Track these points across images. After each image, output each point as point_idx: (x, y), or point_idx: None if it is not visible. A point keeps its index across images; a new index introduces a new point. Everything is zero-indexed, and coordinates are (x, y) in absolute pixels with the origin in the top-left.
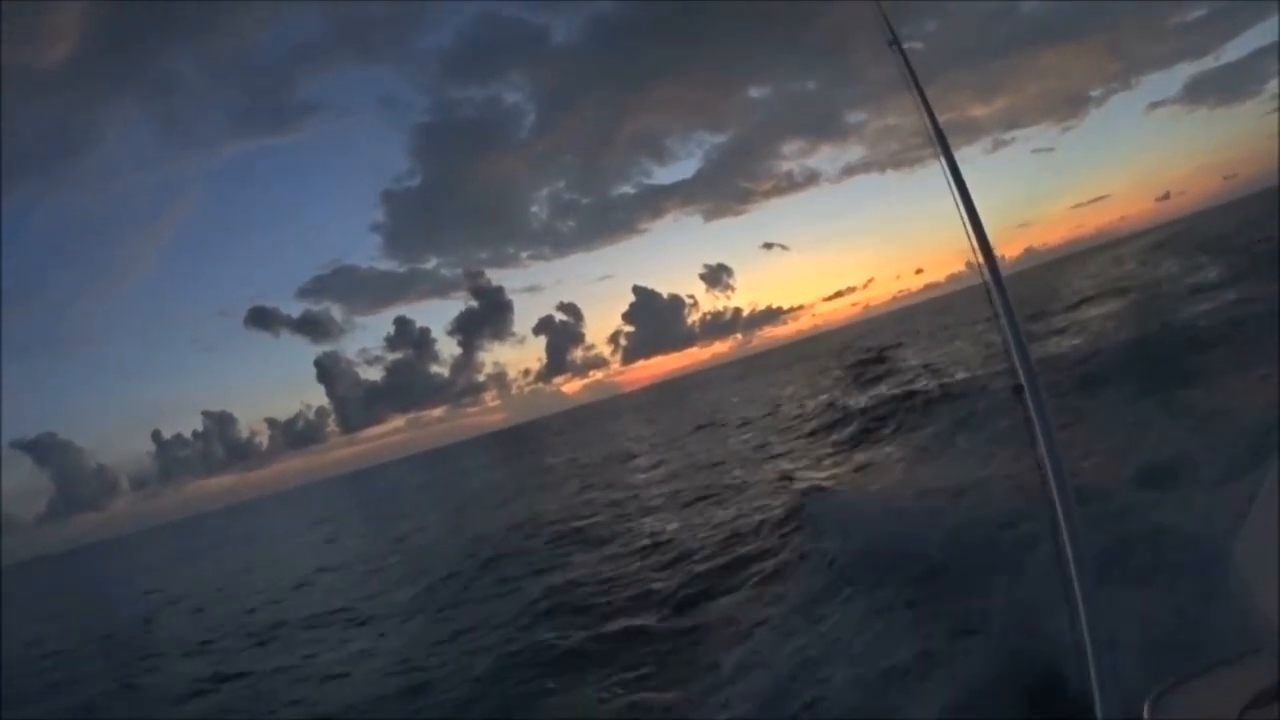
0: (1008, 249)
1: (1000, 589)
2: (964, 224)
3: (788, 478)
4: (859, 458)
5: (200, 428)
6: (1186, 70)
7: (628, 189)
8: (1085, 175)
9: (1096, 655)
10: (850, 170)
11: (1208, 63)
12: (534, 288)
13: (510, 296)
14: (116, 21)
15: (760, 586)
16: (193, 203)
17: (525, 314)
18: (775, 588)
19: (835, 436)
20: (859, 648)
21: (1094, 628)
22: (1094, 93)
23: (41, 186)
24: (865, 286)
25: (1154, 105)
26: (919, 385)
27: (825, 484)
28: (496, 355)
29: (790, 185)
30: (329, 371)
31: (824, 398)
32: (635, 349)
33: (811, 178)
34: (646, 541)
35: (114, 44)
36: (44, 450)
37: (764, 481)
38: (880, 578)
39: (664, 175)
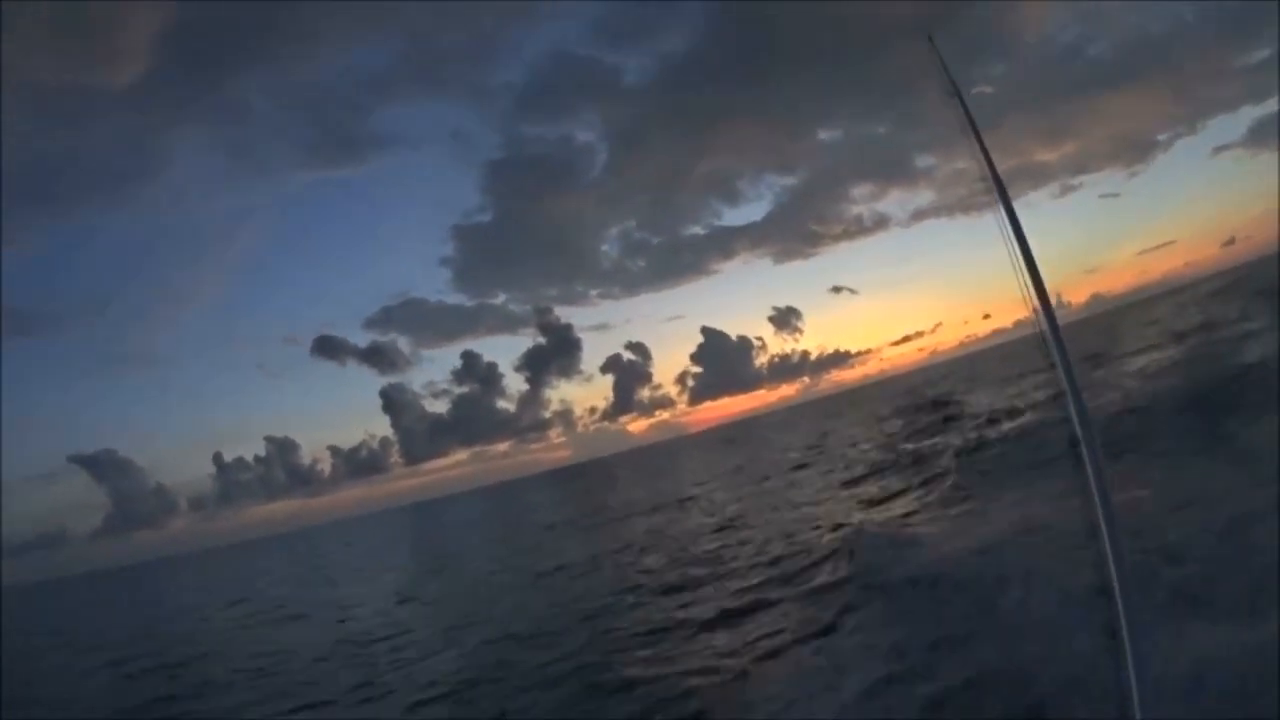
0: (1073, 295)
1: (1037, 639)
2: (1018, 272)
3: (837, 524)
4: (904, 503)
5: (262, 452)
6: (1251, 113)
7: (698, 229)
8: (1151, 220)
9: (1144, 711)
10: (919, 215)
11: (1271, 105)
12: (602, 326)
13: (579, 334)
14: (190, 47)
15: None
16: (263, 230)
17: (593, 352)
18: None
19: (885, 482)
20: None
21: (1143, 684)
22: (1160, 137)
23: (112, 206)
24: (933, 331)
25: (1218, 149)
26: (975, 434)
27: (871, 526)
28: (563, 392)
29: (859, 229)
30: (394, 402)
31: (877, 445)
32: (702, 390)
33: (880, 222)
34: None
35: (187, 69)
36: (103, 466)
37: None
38: (913, 618)
39: (734, 216)
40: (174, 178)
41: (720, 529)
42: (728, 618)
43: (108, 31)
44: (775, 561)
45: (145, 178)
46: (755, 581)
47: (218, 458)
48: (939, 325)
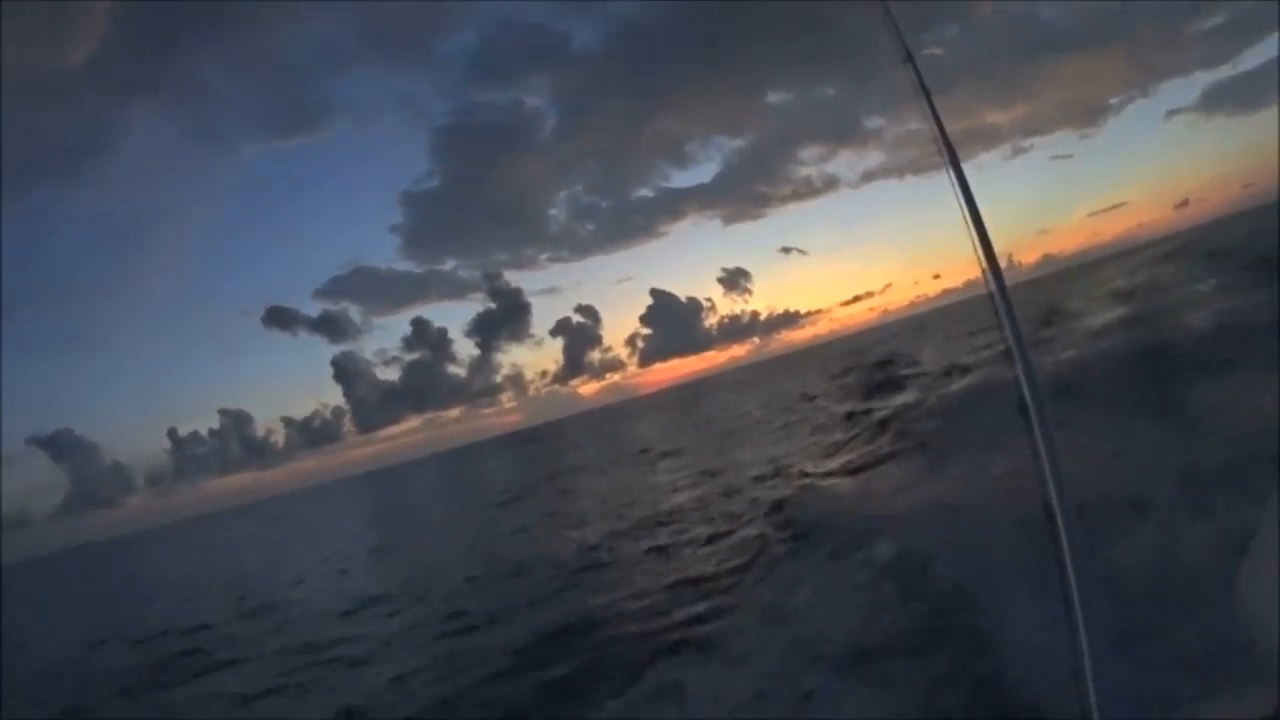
0: (1025, 255)
1: (989, 606)
2: (970, 233)
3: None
4: (844, 462)
5: (216, 426)
6: (1204, 79)
7: (647, 192)
8: (1103, 183)
9: (1096, 679)
10: (869, 176)
11: (1225, 71)
12: (552, 290)
13: (529, 298)
14: (136, 23)
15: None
16: (216, 203)
17: (543, 316)
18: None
19: (828, 439)
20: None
21: (1094, 651)
22: (1112, 100)
23: (61, 187)
24: (883, 291)
25: (1172, 113)
26: (923, 393)
27: (813, 484)
28: (514, 357)
29: (809, 190)
30: (346, 371)
31: (822, 403)
32: (653, 352)
33: (830, 183)
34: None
35: (134, 46)
36: (61, 447)
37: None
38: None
39: (683, 179)
40: (128, 155)
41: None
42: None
43: (59, 12)
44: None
45: (99, 156)
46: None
47: (173, 433)
48: (889, 286)
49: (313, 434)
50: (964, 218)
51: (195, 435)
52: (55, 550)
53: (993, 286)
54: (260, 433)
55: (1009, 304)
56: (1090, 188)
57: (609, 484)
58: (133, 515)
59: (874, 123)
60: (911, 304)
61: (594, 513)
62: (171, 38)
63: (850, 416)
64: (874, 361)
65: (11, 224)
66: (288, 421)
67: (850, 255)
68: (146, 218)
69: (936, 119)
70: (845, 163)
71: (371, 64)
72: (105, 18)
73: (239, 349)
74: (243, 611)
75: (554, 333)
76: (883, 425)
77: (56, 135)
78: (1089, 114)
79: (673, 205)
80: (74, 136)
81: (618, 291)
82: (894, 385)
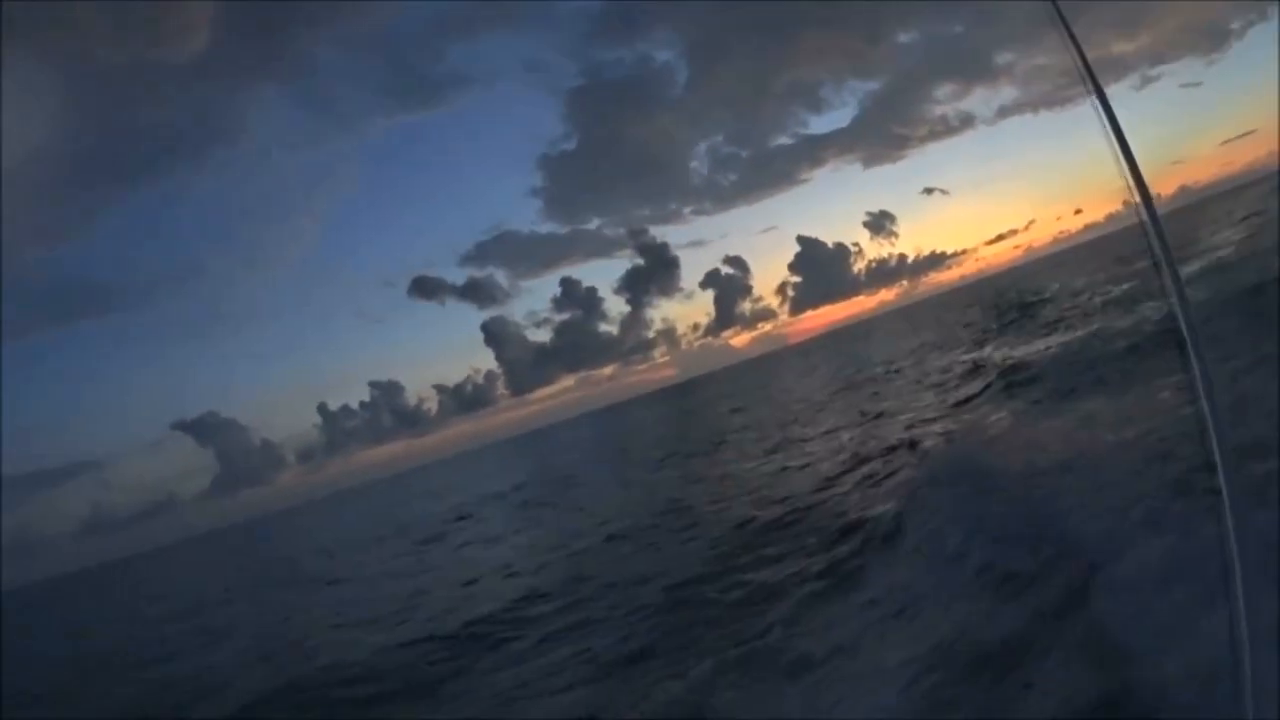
0: (1162, 187)
1: (1131, 570)
2: (1119, 164)
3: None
4: (991, 412)
5: (367, 398)
6: None
7: (785, 139)
8: (1233, 110)
9: (1254, 654)
10: (1004, 112)
11: None
12: (698, 242)
13: (675, 252)
14: (252, 10)
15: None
16: (349, 180)
17: (691, 269)
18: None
19: (970, 390)
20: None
21: (1254, 623)
22: (1233, 25)
23: (197, 174)
24: (1026, 229)
25: None
26: (1067, 335)
27: (948, 436)
28: (664, 311)
29: (946, 130)
30: (496, 335)
31: (967, 348)
32: (802, 299)
33: (966, 121)
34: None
35: (252, 32)
36: (206, 430)
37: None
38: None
39: (820, 124)
40: (253, 139)
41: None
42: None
43: (171, 7)
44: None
45: (224, 143)
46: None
47: (323, 408)
48: (1032, 223)
49: (465, 399)
50: (1111, 148)
51: (346, 409)
52: (203, 531)
53: (1145, 218)
54: (412, 402)
55: (1160, 228)
56: (1221, 115)
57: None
58: (283, 491)
59: (1004, 58)
60: (1055, 240)
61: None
62: (285, 22)
63: (993, 362)
64: (1021, 302)
65: (144, 216)
66: (440, 389)
67: (991, 193)
68: (283, 197)
69: (1078, 49)
70: (979, 100)
71: (491, 31)
72: (216, 9)
73: (386, 321)
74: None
75: (703, 285)
76: (1027, 370)
77: (180, 127)
78: (1213, 39)
79: (812, 151)
80: (198, 126)
81: (763, 241)
82: (1040, 325)
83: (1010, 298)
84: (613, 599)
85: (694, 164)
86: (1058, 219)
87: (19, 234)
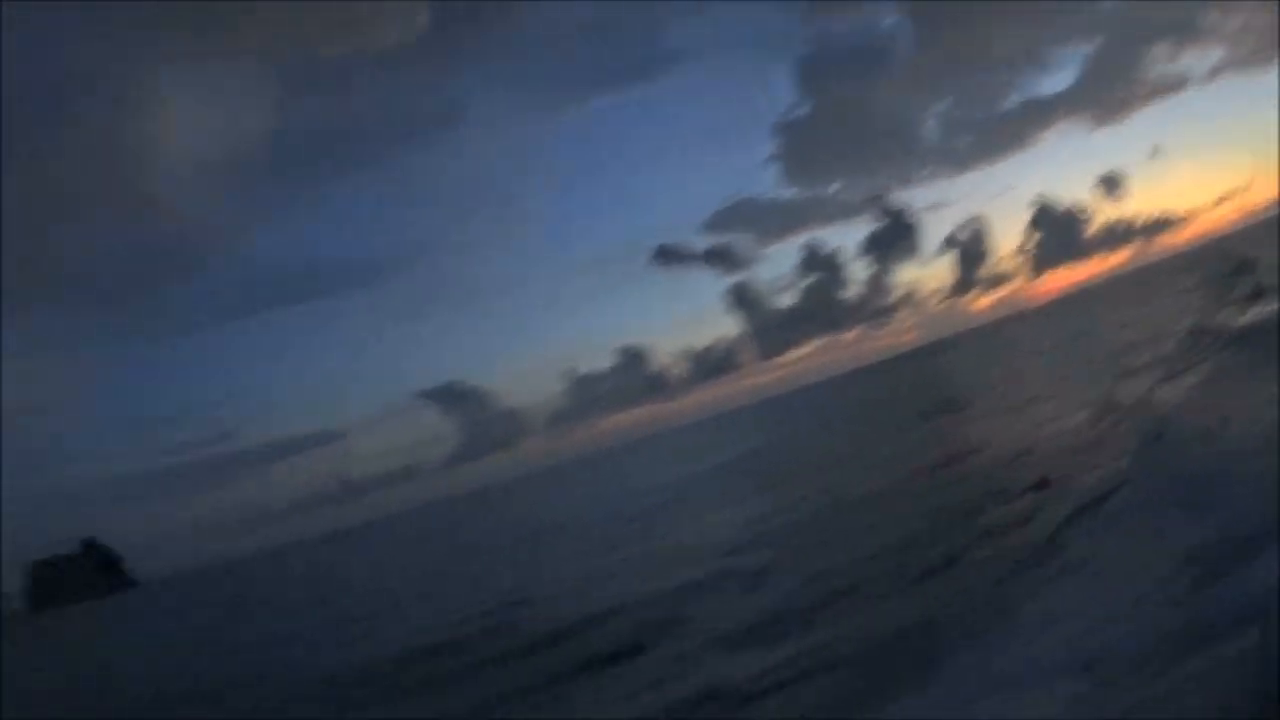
0: None
1: None
2: None
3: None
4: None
5: (612, 364)
6: None
7: (1013, 102)
8: None
9: None
10: (1216, 71)
11: None
12: (935, 205)
13: (914, 216)
14: None
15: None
16: (588, 152)
17: (930, 232)
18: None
19: (1202, 355)
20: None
21: None
22: None
23: (428, 156)
24: (1246, 189)
25: None
26: None
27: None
28: (905, 275)
29: (1163, 89)
30: (740, 300)
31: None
32: (1040, 262)
33: (1180, 82)
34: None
35: (467, 16)
36: (450, 398)
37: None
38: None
39: (1046, 87)
40: (481, 115)
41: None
42: None
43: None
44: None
45: (452, 122)
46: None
47: (568, 374)
48: (1251, 183)
49: (711, 364)
50: None
51: (591, 375)
52: (447, 496)
53: None
54: (658, 367)
55: None
56: None
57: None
58: (528, 457)
59: (1212, 18)
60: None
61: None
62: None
63: (1224, 326)
64: (1245, 266)
65: (373, 196)
66: (684, 354)
67: (1211, 154)
68: (516, 172)
69: None
70: (1192, 59)
71: (716, 2)
72: None
73: (630, 288)
74: None
75: (943, 248)
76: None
77: (409, 110)
78: None
79: (1040, 114)
80: (426, 109)
81: (999, 203)
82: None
83: (1235, 261)
84: (838, 564)
85: (926, 128)
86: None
87: (261, 217)
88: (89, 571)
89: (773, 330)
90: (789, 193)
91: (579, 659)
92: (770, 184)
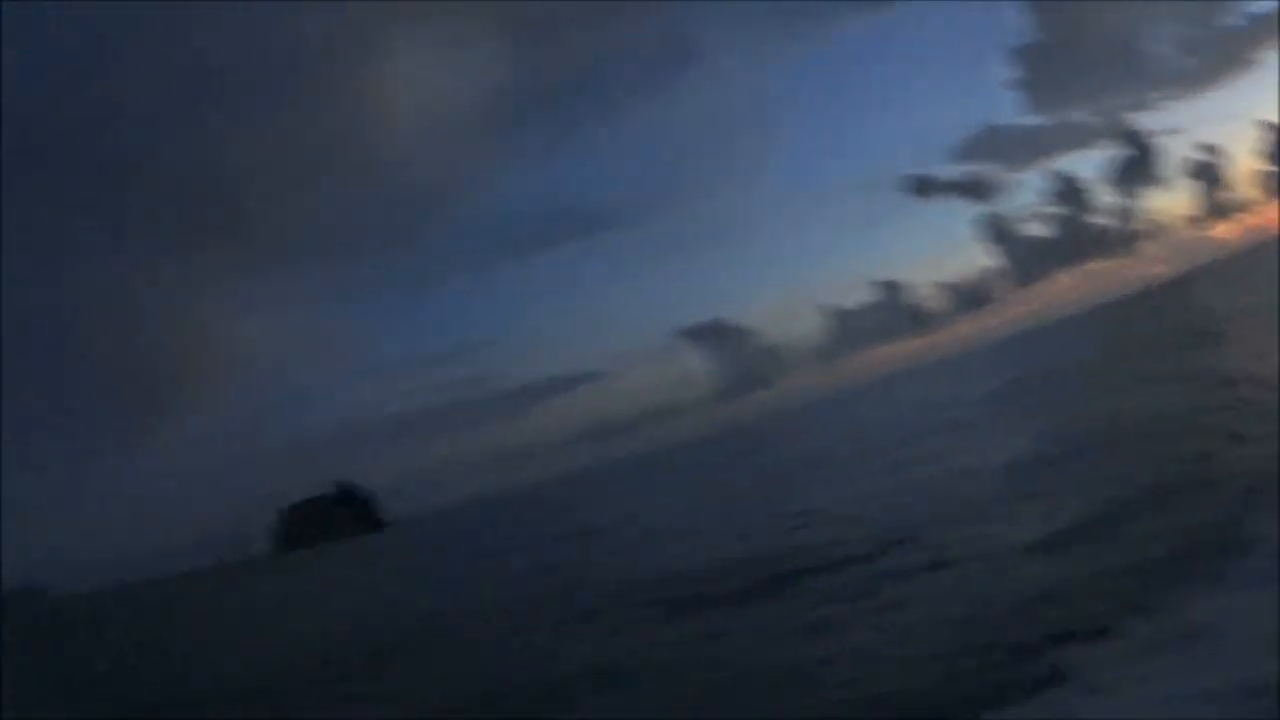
0: None
1: None
2: None
3: None
4: None
5: (869, 298)
6: None
7: (1237, 21)
8: None
9: None
10: None
11: None
12: (1173, 130)
13: (1154, 141)
14: None
15: None
16: (822, 84)
17: (1168, 158)
18: None
19: None
20: None
21: None
22: None
23: (670, 95)
24: None
25: None
26: None
27: None
28: (1151, 202)
29: None
30: (991, 231)
31: None
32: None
33: None
34: None
35: None
36: (710, 336)
37: None
38: None
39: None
40: (721, 50)
41: None
42: None
43: None
44: None
45: (692, 59)
46: None
47: (825, 309)
48: None
49: (964, 297)
50: None
51: (848, 309)
52: (706, 436)
53: None
54: (913, 300)
55: None
56: None
57: None
58: (789, 394)
59: None
60: None
61: None
62: None
63: None
64: None
65: (619, 142)
66: (939, 287)
67: None
68: (753, 109)
69: None
70: None
71: None
72: None
73: (883, 220)
74: None
75: (1184, 174)
76: None
77: (649, 46)
78: None
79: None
80: (663, 53)
81: (1235, 128)
82: None
83: None
84: (1122, 483)
85: (1158, 50)
86: None
87: (511, 165)
88: (341, 513)
89: (1024, 261)
90: (1033, 119)
91: (894, 569)
92: (1015, 109)
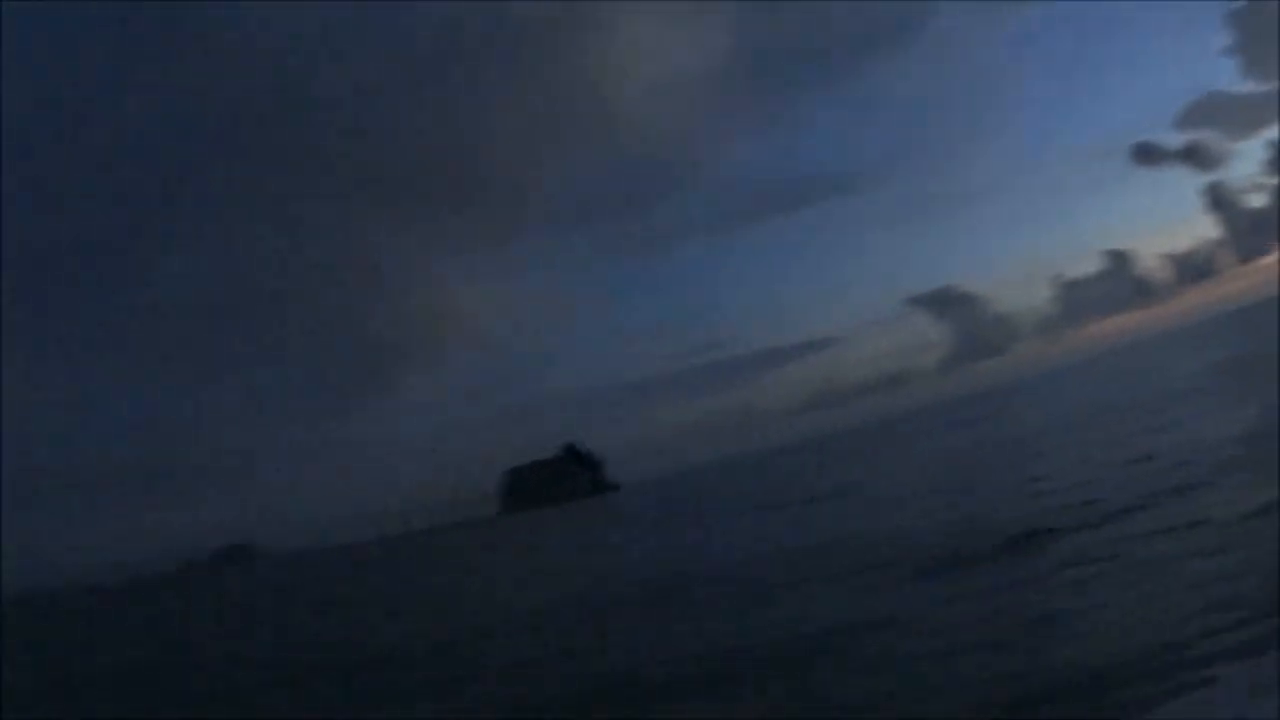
0: None
1: None
2: None
3: None
4: None
5: (1096, 268)
6: None
7: None
8: None
9: None
10: None
11: None
12: None
13: None
14: None
15: None
16: (1051, 49)
17: None
18: None
19: None
20: None
21: None
22: None
23: (894, 65)
24: None
25: None
26: None
27: None
28: None
29: None
30: (1216, 201)
31: None
32: None
33: None
34: None
35: None
36: (941, 303)
37: None
38: None
39: None
40: (943, 20)
41: None
42: None
43: None
44: None
45: (917, 29)
46: None
47: (1056, 278)
48: None
49: (1190, 268)
50: None
51: (1076, 279)
52: (935, 403)
53: None
54: (1139, 271)
55: None
56: None
57: None
58: (1017, 363)
59: None
60: None
61: None
62: None
63: None
64: None
65: (847, 112)
66: (1166, 258)
67: None
68: (987, 76)
69: None
70: None
71: None
72: None
73: (1109, 188)
74: None
75: None
76: None
77: (874, 16)
78: None
79: None
80: (890, 14)
81: None
82: None
83: None
84: None
85: None
86: None
87: (742, 133)
88: (571, 475)
89: (1247, 233)
90: (1249, 85)
91: (1133, 533)
92: (1232, 77)
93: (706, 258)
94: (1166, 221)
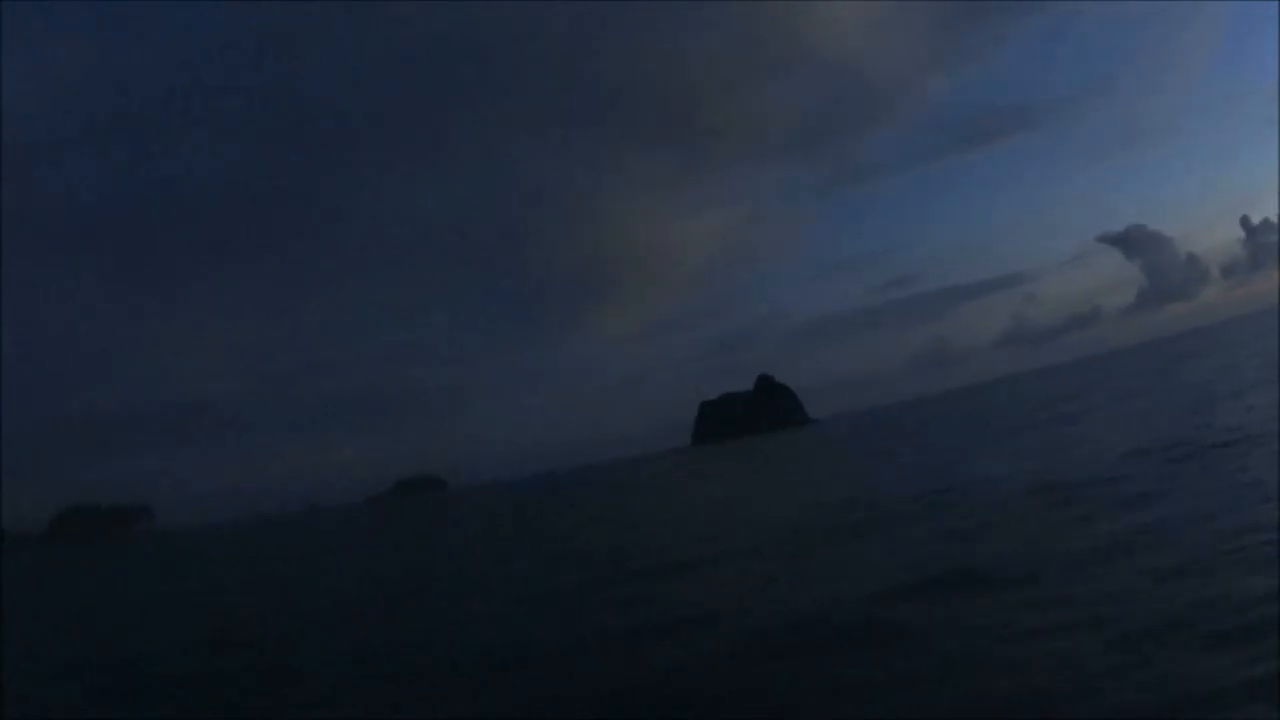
0: None
1: None
2: None
3: None
4: None
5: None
6: None
7: None
8: None
9: None
10: None
11: None
12: None
13: None
14: None
15: None
16: None
17: None
18: None
19: None
20: None
21: None
22: None
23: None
24: None
25: None
26: None
27: None
28: None
29: None
30: None
31: None
32: None
33: None
34: None
35: None
36: (1132, 243)
37: None
38: None
39: None
40: None
41: None
42: None
43: None
44: None
45: None
46: None
47: (1245, 221)
48: None
49: None
50: None
51: (1267, 222)
52: (1123, 346)
53: None
54: None
55: None
56: None
57: None
58: (1206, 308)
59: None
60: None
61: None
62: None
63: None
64: None
65: (1048, 36)
66: None
67: None
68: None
69: None
70: None
71: None
72: None
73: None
74: None
75: None
76: None
77: None
78: None
79: None
80: None
81: None
82: None
83: None
84: None
85: None
86: None
87: (941, 66)
88: (763, 407)
89: None
90: None
91: None
92: None
93: (913, 188)
94: None
